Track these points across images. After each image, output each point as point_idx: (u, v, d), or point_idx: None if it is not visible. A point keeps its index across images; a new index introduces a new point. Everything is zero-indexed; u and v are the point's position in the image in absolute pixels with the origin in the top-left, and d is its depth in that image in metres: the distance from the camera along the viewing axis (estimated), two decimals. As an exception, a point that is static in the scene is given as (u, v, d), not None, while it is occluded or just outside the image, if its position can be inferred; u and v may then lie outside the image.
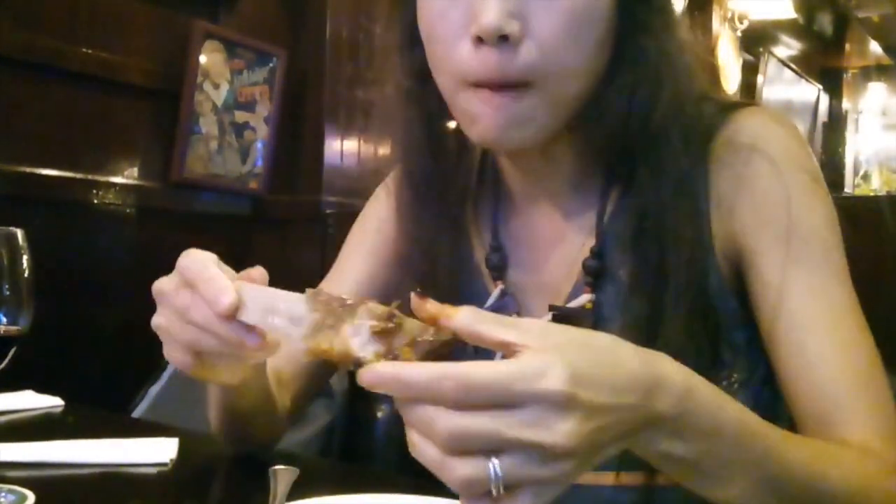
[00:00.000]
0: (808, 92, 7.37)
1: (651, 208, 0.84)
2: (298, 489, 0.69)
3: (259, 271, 0.70)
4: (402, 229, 1.00)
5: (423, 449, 0.52)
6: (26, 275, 0.83)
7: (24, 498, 0.78)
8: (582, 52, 0.79)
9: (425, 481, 0.85)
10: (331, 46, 2.64)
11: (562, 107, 0.81)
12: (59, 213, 2.10)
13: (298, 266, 2.58)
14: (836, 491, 0.67)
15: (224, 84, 2.44)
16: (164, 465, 0.93)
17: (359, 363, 0.55)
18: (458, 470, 0.51)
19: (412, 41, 0.89)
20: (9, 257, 0.82)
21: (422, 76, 0.88)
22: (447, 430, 0.50)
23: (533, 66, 0.78)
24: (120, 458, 0.93)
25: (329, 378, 1.19)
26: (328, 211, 2.58)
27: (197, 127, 2.37)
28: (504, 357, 0.53)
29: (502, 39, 0.77)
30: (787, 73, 6.74)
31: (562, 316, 0.87)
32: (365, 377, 0.52)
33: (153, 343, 0.74)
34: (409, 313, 0.56)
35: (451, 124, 0.94)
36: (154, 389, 1.69)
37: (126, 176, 2.26)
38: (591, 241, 0.89)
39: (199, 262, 0.69)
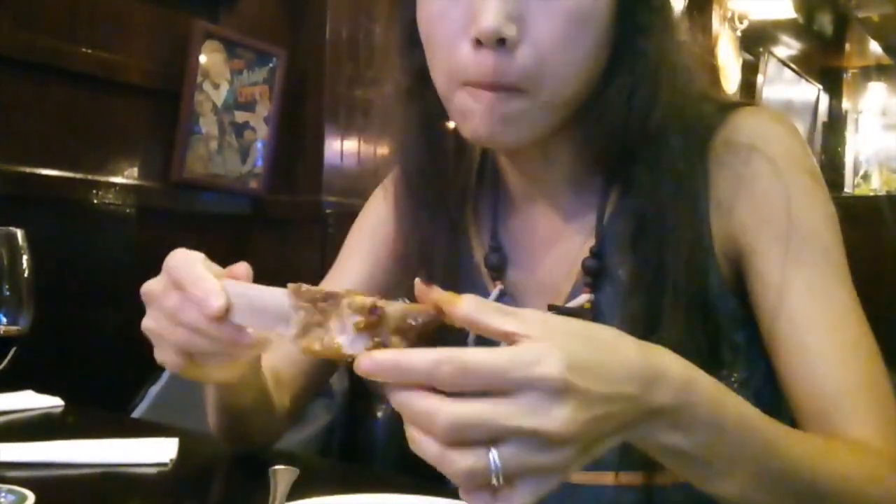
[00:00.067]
0: (808, 92, 7.37)
1: (650, 208, 0.84)
2: (298, 489, 0.69)
3: (243, 267, 0.70)
4: (401, 229, 1.00)
5: (422, 443, 0.52)
6: (26, 275, 0.83)
7: (24, 498, 0.78)
8: (579, 55, 0.80)
9: (425, 481, 0.85)
10: (331, 46, 2.64)
11: (557, 108, 0.82)
12: (59, 213, 2.10)
13: (298, 266, 2.58)
14: (837, 486, 0.67)
15: (224, 84, 2.44)
16: (164, 465, 0.93)
17: (353, 359, 0.55)
18: (458, 461, 0.51)
19: (412, 41, 0.89)
20: (9, 257, 0.82)
21: (421, 76, 0.88)
22: (446, 420, 0.50)
23: (529, 69, 0.78)
24: (120, 458, 0.93)
25: (329, 377, 1.19)
26: (328, 211, 2.58)
27: (197, 127, 2.37)
28: None
29: (500, 42, 0.77)
30: (787, 73, 6.74)
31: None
32: (363, 365, 0.52)
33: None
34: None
35: (451, 124, 0.94)
36: (154, 389, 1.70)
37: (126, 176, 2.26)
38: (591, 242, 0.89)
39: (186, 263, 0.69)
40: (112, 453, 0.94)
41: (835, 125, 8.14)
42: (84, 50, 2.12)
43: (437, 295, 0.54)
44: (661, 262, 0.82)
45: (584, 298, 0.87)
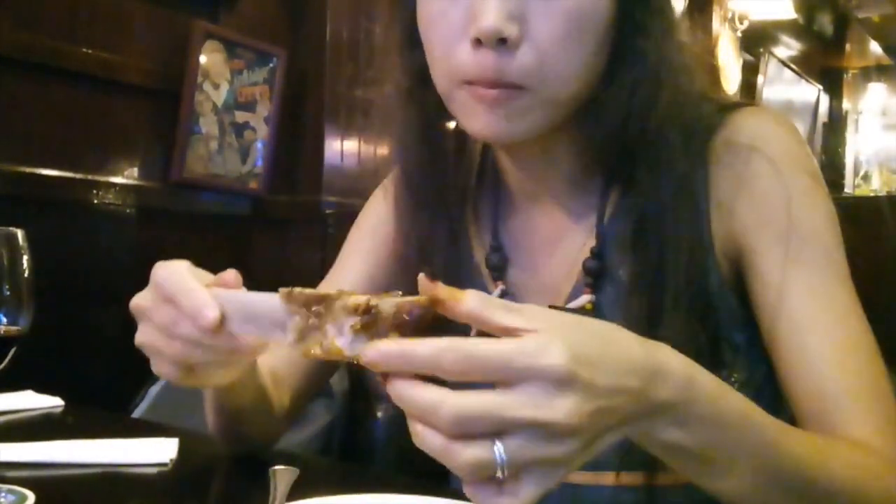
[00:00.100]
0: (808, 92, 7.37)
1: (651, 209, 0.84)
2: (298, 489, 0.69)
3: (232, 275, 0.70)
4: (401, 229, 1.00)
5: (426, 437, 0.52)
6: (26, 275, 0.82)
7: (24, 498, 0.78)
8: (580, 55, 0.80)
9: (425, 481, 0.85)
10: (331, 46, 2.64)
11: (558, 106, 0.82)
12: (59, 213, 2.10)
13: (298, 266, 2.58)
14: (837, 484, 0.67)
15: (224, 84, 2.44)
16: (164, 465, 0.92)
17: (353, 360, 0.55)
18: (463, 454, 0.51)
19: (412, 41, 0.89)
20: (9, 257, 0.82)
21: (421, 76, 0.88)
22: (451, 412, 0.50)
23: (530, 69, 0.78)
24: (120, 458, 0.93)
25: (329, 377, 1.19)
26: (328, 211, 2.58)
27: (197, 127, 2.37)
28: None
29: (501, 42, 0.77)
30: (787, 73, 6.74)
31: (562, 316, 0.87)
32: (369, 356, 0.52)
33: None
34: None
35: (451, 124, 0.94)
36: (154, 389, 1.69)
37: (126, 176, 2.26)
38: (591, 242, 0.89)
39: (174, 275, 0.68)
40: (112, 453, 0.94)
41: (835, 125, 8.13)
42: (84, 50, 2.12)
43: (441, 291, 0.54)
44: (661, 263, 0.82)
45: (585, 299, 0.87)
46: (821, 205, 0.84)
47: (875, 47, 7.48)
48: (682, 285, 0.81)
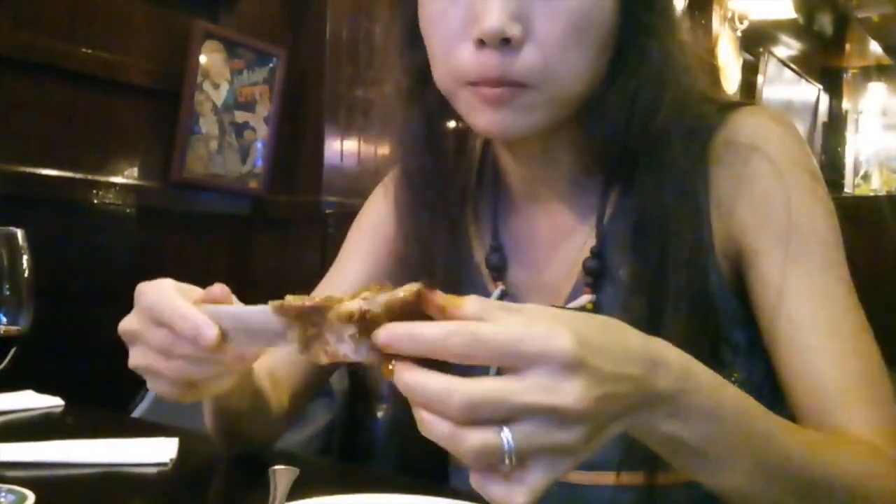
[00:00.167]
0: (808, 92, 7.37)
1: (651, 209, 0.84)
2: (298, 489, 0.69)
3: (219, 289, 0.69)
4: (401, 229, 1.00)
5: (433, 425, 0.52)
6: (26, 275, 0.82)
7: (24, 498, 0.78)
8: (583, 55, 0.80)
9: (425, 481, 0.85)
10: (331, 46, 2.64)
11: (562, 105, 0.82)
12: (59, 213, 2.10)
13: (298, 266, 2.58)
14: (837, 480, 0.67)
15: (224, 84, 2.44)
16: (164, 465, 0.92)
17: (362, 362, 0.55)
18: (470, 439, 0.51)
19: (412, 41, 0.89)
20: (9, 257, 0.82)
21: (422, 76, 0.88)
22: (461, 398, 0.50)
23: (534, 69, 0.78)
24: (120, 458, 0.93)
25: (329, 376, 1.19)
26: (328, 211, 2.58)
27: (197, 127, 2.37)
28: None
29: (504, 42, 0.77)
30: (787, 73, 6.74)
31: (562, 316, 0.87)
32: (381, 337, 0.53)
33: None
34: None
35: (451, 124, 0.94)
36: (154, 389, 1.69)
37: (126, 176, 2.26)
38: (592, 242, 0.89)
39: (163, 298, 0.67)
40: (112, 453, 0.94)
41: (835, 125, 8.13)
42: (84, 50, 2.12)
43: (440, 299, 0.54)
44: (661, 263, 0.82)
45: (585, 299, 0.87)
46: (820, 204, 0.84)
47: (875, 47, 7.49)
48: (682, 285, 0.81)
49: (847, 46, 7.52)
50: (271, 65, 2.54)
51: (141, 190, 2.28)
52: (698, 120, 0.86)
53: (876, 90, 8.46)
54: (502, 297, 0.93)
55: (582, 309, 0.87)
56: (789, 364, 0.79)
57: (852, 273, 0.82)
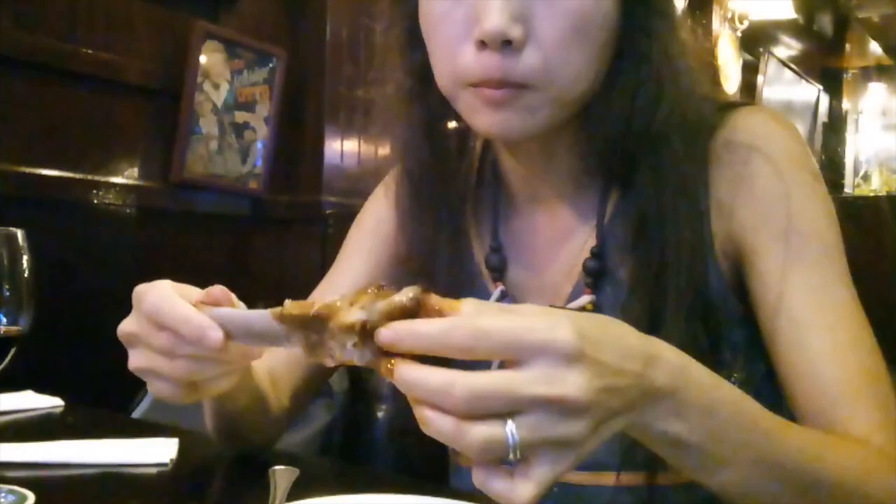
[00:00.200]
0: (808, 92, 7.37)
1: (651, 209, 0.84)
2: (298, 489, 0.69)
3: (220, 290, 0.69)
4: (401, 229, 1.00)
5: (436, 421, 0.52)
6: (26, 275, 0.82)
7: (24, 498, 0.78)
8: (584, 56, 0.80)
9: (425, 481, 0.85)
10: (331, 46, 2.64)
11: (564, 105, 0.82)
12: (59, 213, 2.10)
13: (298, 266, 2.58)
14: (836, 478, 0.67)
15: (224, 84, 2.43)
16: (164, 465, 0.92)
17: (367, 366, 0.55)
18: (474, 433, 0.51)
19: (413, 41, 0.89)
20: (9, 257, 0.82)
21: (423, 76, 0.88)
22: (464, 391, 0.50)
23: (536, 70, 0.78)
24: (120, 458, 0.93)
25: (329, 376, 1.19)
26: (328, 211, 2.58)
27: (197, 127, 2.37)
28: None
29: (505, 44, 0.77)
30: (787, 73, 6.74)
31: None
32: (383, 336, 0.53)
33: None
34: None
35: (451, 124, 0.94)
36: (154, 389, 1.69)
37: (126, 176, 2.26)
38: (592, 242, 0.89)
39: (163, 301, 0.67)
40: (112, 453, 0.94)
41: (835, 125, 8.13)
42: (84, 50, 2.12)
43: (437, 302, 0.54)
44: (661, 263, 0.82)
45: (585, 299, 0.87)
46: (820, 204, 0.84)
47: (875, 47, 7.49)
48: (682, 286, 0.81)
49: (847, 47, 7.52)
50: (271, 65, 2.54)
51: (141, 190, 2.28)
52: (698, 120, 0.86)
53: (876, 90, 8.46)
54: (502, 297, 0.93)
55: (582, 309, 0.87)
56: (789, 363, 0.79)
57: (852, 273, 0.82)
